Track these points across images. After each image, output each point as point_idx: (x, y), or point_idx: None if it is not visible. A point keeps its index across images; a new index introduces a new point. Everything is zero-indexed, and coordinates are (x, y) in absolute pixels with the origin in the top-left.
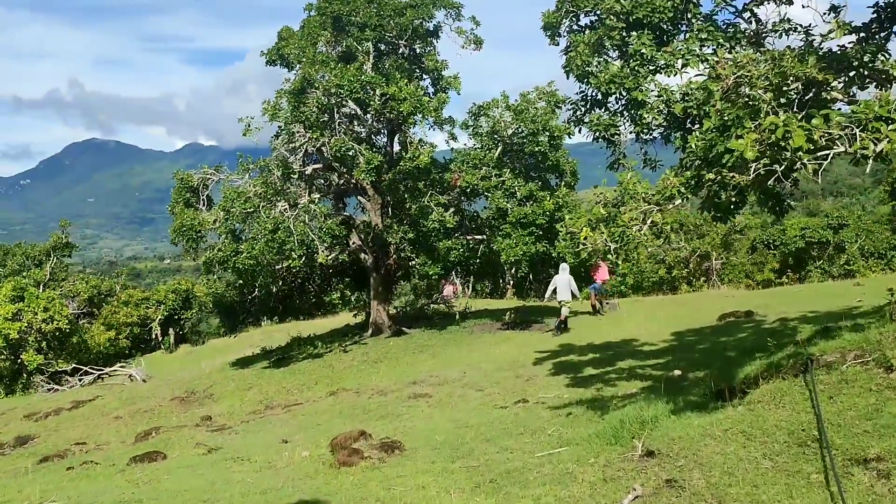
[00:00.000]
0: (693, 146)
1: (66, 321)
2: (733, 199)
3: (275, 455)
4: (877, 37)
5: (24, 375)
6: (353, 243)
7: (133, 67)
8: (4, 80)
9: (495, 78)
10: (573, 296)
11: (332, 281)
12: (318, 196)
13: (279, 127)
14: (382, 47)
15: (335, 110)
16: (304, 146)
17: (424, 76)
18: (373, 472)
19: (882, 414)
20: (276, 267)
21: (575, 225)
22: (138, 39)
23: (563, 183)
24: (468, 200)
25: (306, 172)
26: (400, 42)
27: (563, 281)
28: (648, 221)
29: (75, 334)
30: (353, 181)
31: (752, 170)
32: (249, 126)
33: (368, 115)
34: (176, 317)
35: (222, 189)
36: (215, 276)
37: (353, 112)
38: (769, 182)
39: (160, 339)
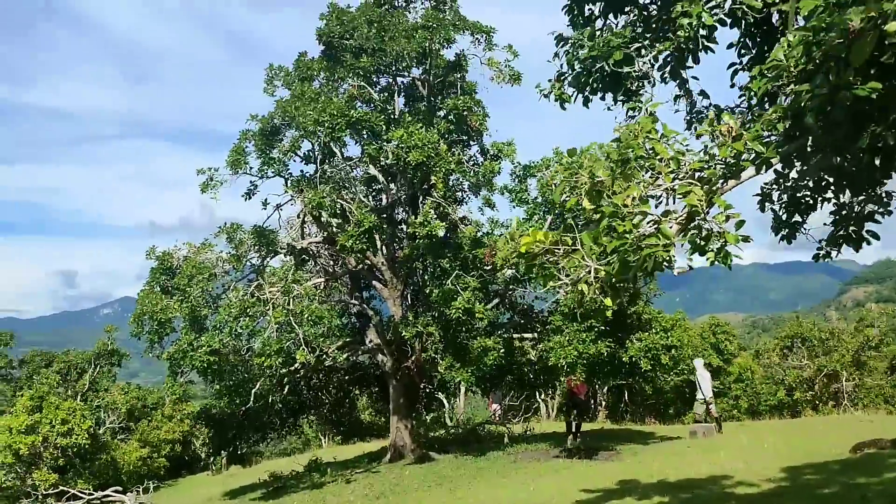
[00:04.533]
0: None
1: (87, 436)
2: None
3: None
4: None
5: (36, 497)
6: (371, 342)
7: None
8: (143, 207)
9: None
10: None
11: (349, 390)
12: (323, 279)
13: (250, 183)
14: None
15: (319, 158)
16: (300, 214)
17: (471, 143)
18: None
19: None
20: (281, 370)
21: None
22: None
23: None
24: (517, 288)
25: (298, 247)
26: (411, 74)
27: (705, 377)
28: (680, 211)
29: (102, 451)
30: (368, 262)
31: None
32: (212, 180)
33: (392, 183)
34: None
35: (186, 265)
36: (181, 379)
37: (369, 175)
38: None
39: (211, 458)
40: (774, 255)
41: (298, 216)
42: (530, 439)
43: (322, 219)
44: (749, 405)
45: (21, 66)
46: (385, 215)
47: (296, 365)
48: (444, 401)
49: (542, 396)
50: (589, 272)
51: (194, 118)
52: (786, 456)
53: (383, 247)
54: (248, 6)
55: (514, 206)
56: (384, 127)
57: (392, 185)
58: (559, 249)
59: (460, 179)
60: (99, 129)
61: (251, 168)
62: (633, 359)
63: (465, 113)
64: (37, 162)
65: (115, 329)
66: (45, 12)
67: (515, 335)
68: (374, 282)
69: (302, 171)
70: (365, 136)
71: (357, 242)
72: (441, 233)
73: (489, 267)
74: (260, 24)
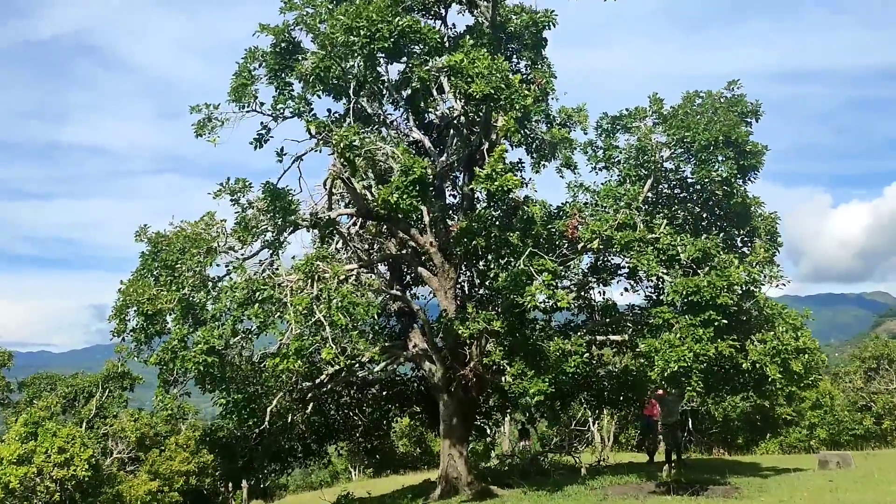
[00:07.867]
0: None
1: (87, 467)
2: None
3: None
4: None
5: None
6: (415, 346)
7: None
8: None
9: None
10: None
11: (387, 409)
12: (357, 266)
13: (261, 125)
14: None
15: (353, 87)
16: (326, 182)
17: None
18: None
19: None
20: (304, 383)
21: None
22: None
23: (756, 245)
24: (601, 280)
25: (324, 218)
26: None
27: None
28: None
29: (106, 484)
30: (413, 245)
31: None
32: (210, 118)
33: (443, 153)
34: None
35: (176, 237)
36: (174, 390)
37: (411, 141)
38: None
39: (230, 492)
40: (806, 288)
41: (324, 185)
42: (608, 471)
43: (354, 182)
44: (829, 434)
45: (58, 104)
46: (432, 189)
47: (322, 377)
48: (487, 429)
49: (596, 425)
50: None
51: (226, 154)
52: None
53: (431, 225)
54: None
55: (598, 169)
56: (439, 43)
57: (443, 155)
58: None
59: (535, 131)
60: (132, 164)
61: (261, 105)
62: (757, 365)
63: (541, 26)
64: (71, 197)
65: (126, 349)
66: (81, 52)
67: (600, 337)
68: (420, 270)
69: (329, 109)
70: (413, 56)
71: (404, 197)
72: (514, 189)
73: (570, 243)
74: None
